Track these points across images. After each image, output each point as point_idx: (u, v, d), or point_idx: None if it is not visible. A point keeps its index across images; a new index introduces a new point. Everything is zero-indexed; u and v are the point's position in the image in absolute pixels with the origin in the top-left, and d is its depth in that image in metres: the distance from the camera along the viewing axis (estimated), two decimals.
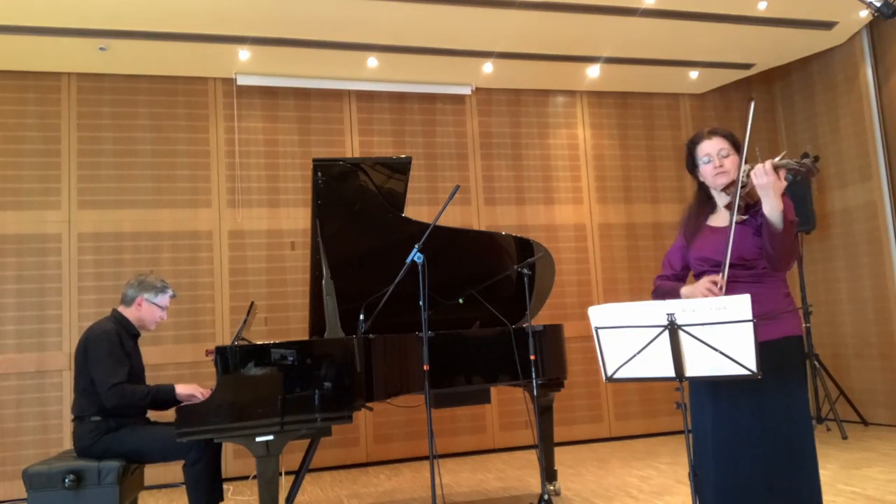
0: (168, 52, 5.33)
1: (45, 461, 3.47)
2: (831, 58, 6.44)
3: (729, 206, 2.44)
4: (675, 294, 2.50)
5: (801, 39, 6.02)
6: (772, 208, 2.26)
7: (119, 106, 5.63)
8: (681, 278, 2.62)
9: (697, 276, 2.56)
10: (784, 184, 2.26)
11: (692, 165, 2.57)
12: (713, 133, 2.52)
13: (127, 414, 3.51)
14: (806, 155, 2.31)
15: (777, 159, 2.29)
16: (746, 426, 2.34)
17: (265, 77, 5.84)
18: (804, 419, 2.37)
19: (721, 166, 2.46)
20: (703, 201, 2.60)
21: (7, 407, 5.15)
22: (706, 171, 2.51)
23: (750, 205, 2.42)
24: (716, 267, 2.43)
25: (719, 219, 2.55)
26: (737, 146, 2.50)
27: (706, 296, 2.31)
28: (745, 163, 2.41)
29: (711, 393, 2.40)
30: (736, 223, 2.38)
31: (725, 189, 2.48)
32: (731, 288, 2.34)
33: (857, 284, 6.25)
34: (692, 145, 2.56)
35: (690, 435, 2.35)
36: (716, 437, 2.39)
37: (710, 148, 2.49)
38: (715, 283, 2.34)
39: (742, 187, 2.38)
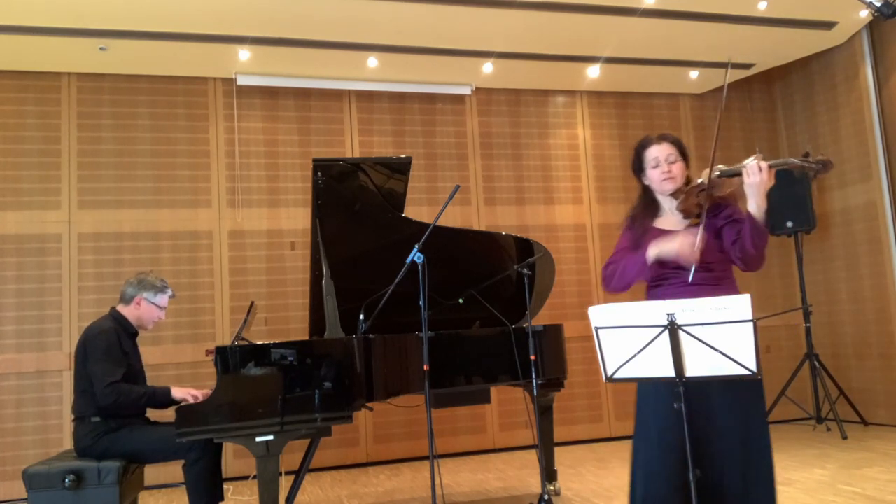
0: (168, 52, 5.33)
1: (45, 461, 3.47)
2: (831, 58, 6.44)
3: (685, 210, 2.47)
4: (641, 263, 2.44)
5: (801, 39, 6.02)
6: (758, 206, 2.32)
7: (119, 106, 5.63)
8: (630, 283, 2.56)
9: (652, 280, 2.52)
10: (772, 182, 2.31)
11: (639, 168, 2.60)
12: (663, 138, 2.58)
13: (127, 414, 3.51)
14: (807, 155, 2.33)
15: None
16: (699, 429, 2.30)
17: (265, 77, 5.85)
18: (760, 421, 2.38)
19: (669, 171, 2.51)
20: (648, 204, 2.61)
21: (7, 407, 5.15)
22: (653, 175, 2.55)
23: (708, 208, 2.43)
24: (676, 269, 2.44)
25: (668, 222, 2.56)
26: (684, 154, 2.57)
27: (687, 246, 2.35)
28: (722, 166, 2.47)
29: (663, 396, 2.34)
30: (692, 226, 2.42)
31: (673, 194, 2.51)
32: (694, 291, 2.37)
33: (857, 284, 6.25)
34: (640, 149, 2.60)
35: (687, 437, 2.32)
36: (664, 440, 2.36)
37: (659, 153, 2.54)
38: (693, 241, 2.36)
39: (704, 190, 2.43)
